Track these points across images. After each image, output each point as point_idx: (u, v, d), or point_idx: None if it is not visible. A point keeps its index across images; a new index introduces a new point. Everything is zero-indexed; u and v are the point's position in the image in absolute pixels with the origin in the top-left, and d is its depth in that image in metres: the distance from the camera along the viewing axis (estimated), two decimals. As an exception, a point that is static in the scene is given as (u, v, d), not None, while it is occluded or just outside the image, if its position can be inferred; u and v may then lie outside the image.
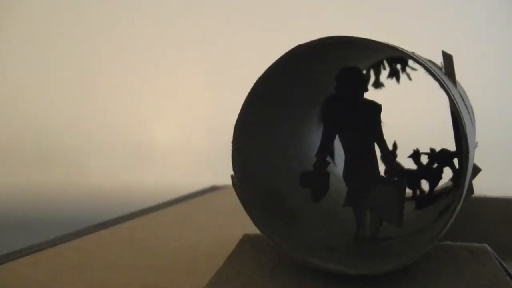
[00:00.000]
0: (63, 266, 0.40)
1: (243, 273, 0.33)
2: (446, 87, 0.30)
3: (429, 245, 0.30)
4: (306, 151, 0.41)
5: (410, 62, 0.49)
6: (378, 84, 0.52)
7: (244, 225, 0.53)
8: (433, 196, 0.42)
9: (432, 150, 0.42)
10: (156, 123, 1.15)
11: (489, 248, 0.33)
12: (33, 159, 1.11)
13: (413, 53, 0.32)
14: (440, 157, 0.41)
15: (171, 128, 1.15)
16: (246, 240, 0.36)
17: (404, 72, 0.50)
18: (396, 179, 0.33)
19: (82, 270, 0.40)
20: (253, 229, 0.49)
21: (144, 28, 1.14)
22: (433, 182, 0.42)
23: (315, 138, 0.44)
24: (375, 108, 0.33)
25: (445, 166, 0.41)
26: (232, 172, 0.33)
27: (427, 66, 0.31)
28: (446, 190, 0.41)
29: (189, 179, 0.94)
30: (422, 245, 0.30)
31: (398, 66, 0.50)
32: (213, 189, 0.77)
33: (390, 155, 0.34)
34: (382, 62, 0.50)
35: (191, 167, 1.12)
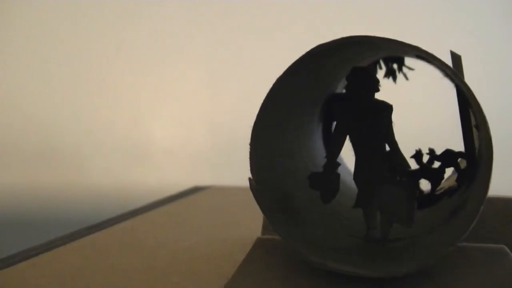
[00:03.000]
0: (63, 271, 0.39)
1: (258, 278, 0.33)
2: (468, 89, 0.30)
3: (452, 246, 0.30)
4: (308, 151, 0.40)
5: (407, 62, 0.49)
6: None
7: (236, 225, 0.53)
8: (434, 196, 0.41)
9: (430, 150, 0.42)
10: (156, 123, 1.15)
11: (507, 249, 0.32)
12: (32, 159, 1.11)
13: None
14: (445, 158, 0.41)
15: (171, 128, 1.15)
16: (260, 244, 0.36)
17: (400, 72, 0.50)
18: (406, 179, 0.33)
19: (84, 274, 0.39)
20: (246, 229, 0.49)
21: (143, 27, 1.14)
22: (435, 183, 0.42)
23: (317, 138, 0.44)
24: (386, 109, 0.33)
25: (450, 166, 0.41)
26: (247, 174, 0.33)
27: (453, 71, 0.31)
28: (448, 191, 0.41)
29: (189, 179, 0.94)
30: (443, 246, 0.30)
31: (395, 66, 0.50)
32: (195, 190, 0.76)
33: (400, 156, 0.34)
34: (378, 62, 0.49)
35: (190, 166, 1.11)
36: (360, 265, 0.31)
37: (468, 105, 0.37)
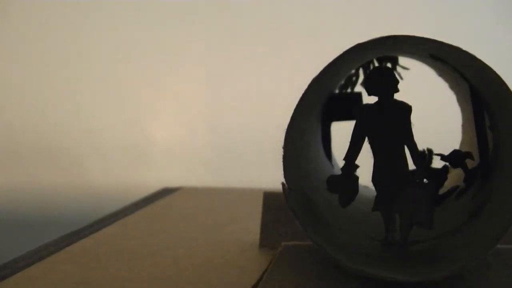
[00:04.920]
0: (65, 285, 0.36)
1: (287, 285, 0.32)
2: None
3: (491, 248, 0.30)
4: (312, 152, 0.40)
5: (401, 61, 0.49)
6: None
7: (223, 227, 0.52)
8: (438, 196, 0.41)
9: (429, 150, 0.42)
10: (156, 123, 1.15)
11: None
12: (32, 158, 1.11)
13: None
14: (453, 158, 0.41)
15: (171, 128, 1.15)
16: (286, 251, 0.35)
17: (394, 71, 0.49)
18: (426, 181, 0.33)
19: (89, 286, 0.36)
20: (236, 232, 0.48)
21: (143, 26, 1.14)
22: (438, 183, 0.42)
23: (318, 139, 0.44)
24: (405, 109, 0.33)
25: (458, 167, 0.41)
26: (281, 179, 0.33)
27: (489, 69, 0.30)
28: (452, 191, 0.40)
29: (188, 179, 0.94)
30: (480, 248, 0.30)
31: (389, 65, 0.49)
32: (166, 191, 0.71)
33: (421, 158, 0.34)
34: (372, 61, 0.49)
35: (190, 166, 1.11)
36: (397, 270, 0.30)
37: (483, 106, 0.37)
